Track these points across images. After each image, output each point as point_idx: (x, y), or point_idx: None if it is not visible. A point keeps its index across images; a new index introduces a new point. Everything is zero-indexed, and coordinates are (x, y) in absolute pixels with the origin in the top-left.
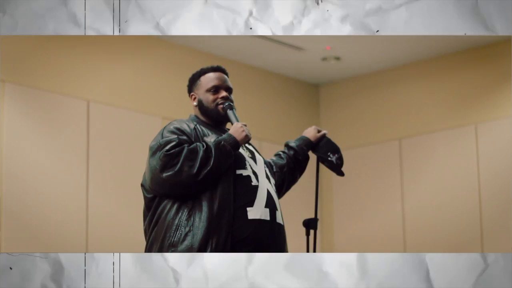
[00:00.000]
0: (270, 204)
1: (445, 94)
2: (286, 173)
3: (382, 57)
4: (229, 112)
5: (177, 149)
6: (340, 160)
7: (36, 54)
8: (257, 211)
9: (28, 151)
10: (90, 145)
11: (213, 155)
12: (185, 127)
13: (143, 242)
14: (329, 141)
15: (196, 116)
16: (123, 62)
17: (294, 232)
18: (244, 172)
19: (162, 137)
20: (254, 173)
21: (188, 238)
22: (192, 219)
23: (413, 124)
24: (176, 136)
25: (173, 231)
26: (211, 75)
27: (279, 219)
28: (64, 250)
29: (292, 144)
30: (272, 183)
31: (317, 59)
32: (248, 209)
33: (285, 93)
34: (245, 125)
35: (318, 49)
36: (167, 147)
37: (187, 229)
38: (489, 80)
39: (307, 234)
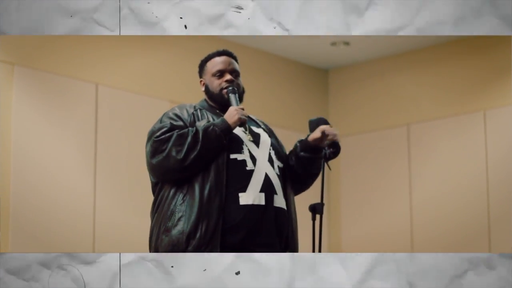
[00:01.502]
0: (267, 188)
1: (454, 79)
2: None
3: (391, 43)
4: (231, 96)
5: (167, 134)
6: (334, 154)
7: (44, 37)
8: (249, 197)
9: (36, 134)
10: (98, 128)
11: (200, 139)
12: (183, 112)
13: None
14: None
15: (205, 100)
16: (131, 45)
17: (300, 217)
18: (239, 157)
19: (160, 123)
20: (252, 157)
21: (180, 223)
22: (185, 204)
23: (422, 110)
24: (169, 122)
25: (168, 216)
26: (216, 60)
27: (279, 204)
28: (72, 233)
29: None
30: (276, 166)
31: (326, 44)
32: (240, 194)
33: (294, 78)
34: (242, 109)
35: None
36: (158, 133)
37: (180, 214)
38: (498, 66)
39: (313, 219)
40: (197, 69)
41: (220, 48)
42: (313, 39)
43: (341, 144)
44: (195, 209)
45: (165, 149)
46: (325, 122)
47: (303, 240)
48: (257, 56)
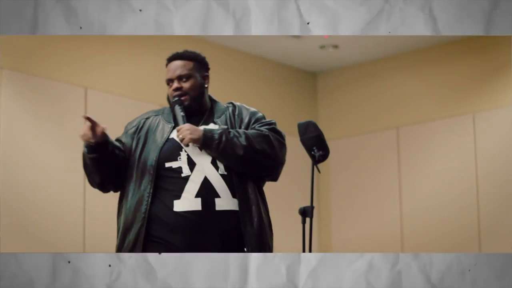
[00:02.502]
0: (206, 193)
1: (443, 83)
2: None
3: (380, 46)
4: (176, 109)
5: None
6: (323, 158)
7: (33, 40)
8: (184, 203)
9: (25, 138)
10: None
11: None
12: (133, 123)
13: None
14: (319, 136)
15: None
16: (120, 49)
17: (290, 220)
18: (175, 164)
19: None
20: (191, 162)
21: (118, 237)
22: (121, 217)
23: (411, 113)
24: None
25: (118, 227)
26: (167, 68)
27: (223, 207)
28: (62, 235)
29: None
30: (223, 167)
31: (315, 47)
32: (174, 202)
33: (282, 81)
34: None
35: (316, 37)
36: None
37: (118, 226)
38: (487, 69)
39: (303, 222)
40: None
41: (207, 51)
42: (302, 42)
43: (331, 147)
44: (121, 223)
45: None
46: (314, 125)
47: (293, 243)
48: (246, 59)
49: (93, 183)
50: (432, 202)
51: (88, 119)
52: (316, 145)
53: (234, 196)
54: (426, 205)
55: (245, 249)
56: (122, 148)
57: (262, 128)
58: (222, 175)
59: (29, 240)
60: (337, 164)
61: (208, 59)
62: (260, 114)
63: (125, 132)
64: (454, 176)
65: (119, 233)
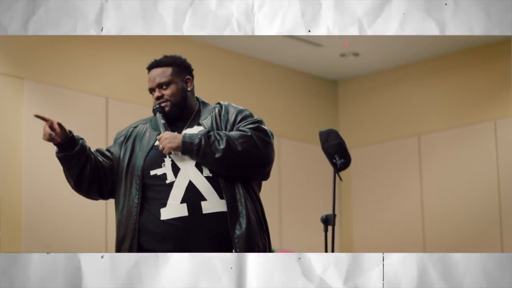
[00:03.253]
0: (191, 197)
1: (465, 90)
2: None
3: (400, 53)
4: (157, 117)
5: None
6: (345, 165)
7: (54, 51)
8: (170, 211)
9: (47, 148)
10: (109, 142)
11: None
12: (122, 132)
13: None
14: (340, 144)
15: None
16: (142, 58)
17: (312, 229)
18: (159, 171)
19: None
20: (175, 167)
21: (115, 246)
22: (117, 226)
23: (432, 120)
24: (96, 150)
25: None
26: (148, 77)
27: (210, 209)
28: (84, 249)
29: None
30: (207, 169)
31: (336, 55)
32: (161, 210)
33: (303, 90)
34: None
35: (337, 45)
36: None
37: (116, 236)
38: (508, 75)
39: (325, 230)
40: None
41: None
42: (322, 50)
43: (352, 154)
44: (116, 232)
45: None
46: (336, 133)
47: (315, 251)
48: (267, 67)
49: (70, 185)
50: (454, 210)
51: (38, 116)
52: (338, 153)
53: (221, 197)
54: (448, 212)
55: (233, 251)
56: (108, 155)
57: (245, 128)
58: (207, 177)
59: (52, 244)
60: (358, 172)
61: (228, 68)
62: (247, 112)
63: (114, 141)
64: (476, 183)
65: (115, 244)
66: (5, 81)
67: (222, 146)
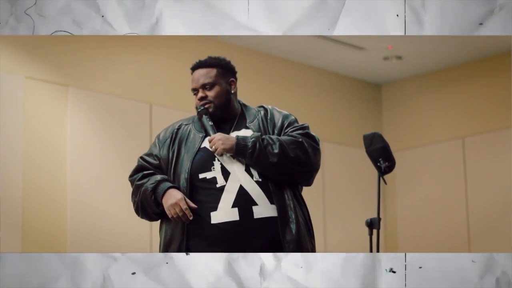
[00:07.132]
0: (242, 201)
1: (509, 91)
2: None
3: (444, 56)
4: (204, 119)
5: (134, 176)
6: (389, 169)
7: (97, 58)
8: (221, 215)
9: (91, 154)
10: None
11: (140, 202)
12: (166, 135)
13: None
14: (385, 148)
15: None
16: (185, 65)
17: (357, 232)
18: (209, 175)
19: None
20: (225, 171)
21: (160, 250)
22: (162, 230)
23: (477, 123)
24: (141, 159)
25: (160, 240)
26: (191, 77)
27: (261, 214)
28: (130, 250)
29: None
30: (257, 174)
31: (379, 59)
32: (212, 214)
33: (347, 93)
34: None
35: (380, 49)
36: (131, 171)
37: (160, 240)
38: None
39: (370, 234)
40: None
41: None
42: (365, 53)
43: (396, 158)
44: (162, 237)
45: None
46: (380, 136)
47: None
48: (311, 72)
49: (136, 212)
50: (500, 212)
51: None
52: (382, 156)
53: (272, 202)
54: (494, 215)
55: None
56: (156, 164)
57: (295, 134)
58: (257, 182)
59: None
60: (403, 175)
61: (271, 73)
62: (292, 118)
63: (161, 145)
64: None
65: (160, 248)
66: (49, 89)
67: (276, 151)
